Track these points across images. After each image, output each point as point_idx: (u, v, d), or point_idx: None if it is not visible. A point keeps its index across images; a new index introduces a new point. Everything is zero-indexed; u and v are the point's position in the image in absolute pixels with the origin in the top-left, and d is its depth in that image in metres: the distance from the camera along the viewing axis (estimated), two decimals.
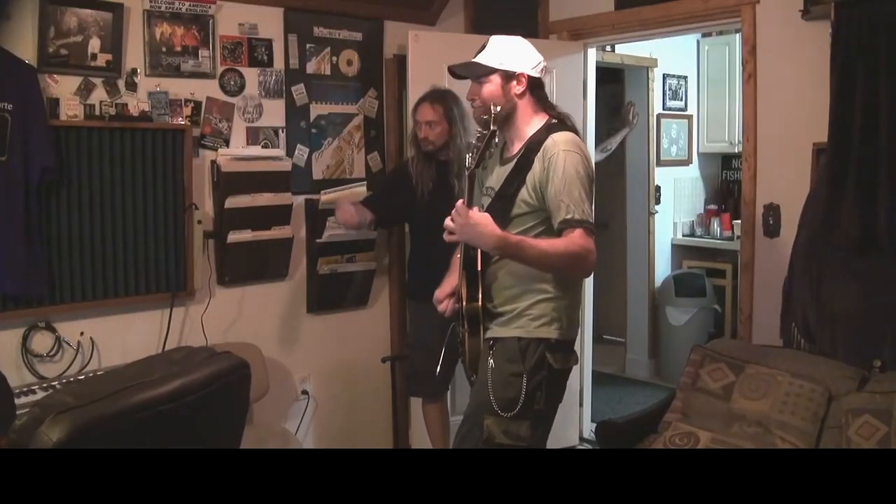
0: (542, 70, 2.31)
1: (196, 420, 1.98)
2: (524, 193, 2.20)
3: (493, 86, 2.25)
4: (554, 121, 2.29)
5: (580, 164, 2.15)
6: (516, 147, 2.28)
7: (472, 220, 2.07)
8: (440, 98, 3.19)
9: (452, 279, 2.43)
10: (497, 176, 2.32)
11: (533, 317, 2.22)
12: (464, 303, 2.28)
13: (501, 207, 2.23)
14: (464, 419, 2.35)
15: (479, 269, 2.25)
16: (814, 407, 2.62)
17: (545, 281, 2.22)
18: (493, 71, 2.24)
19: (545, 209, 2.18)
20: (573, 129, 2.28)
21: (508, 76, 2.25)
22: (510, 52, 2.26)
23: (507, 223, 2.21)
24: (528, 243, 2.12)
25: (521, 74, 2.25)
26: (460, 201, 2.13)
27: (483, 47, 2.29)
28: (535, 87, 2.30)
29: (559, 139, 2.18)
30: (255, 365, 2.82)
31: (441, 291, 2.47)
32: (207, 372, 2.02)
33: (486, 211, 2.29)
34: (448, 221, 2.13)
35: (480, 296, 2.25)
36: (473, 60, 2.28)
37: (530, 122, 2.28)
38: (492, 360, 2.25)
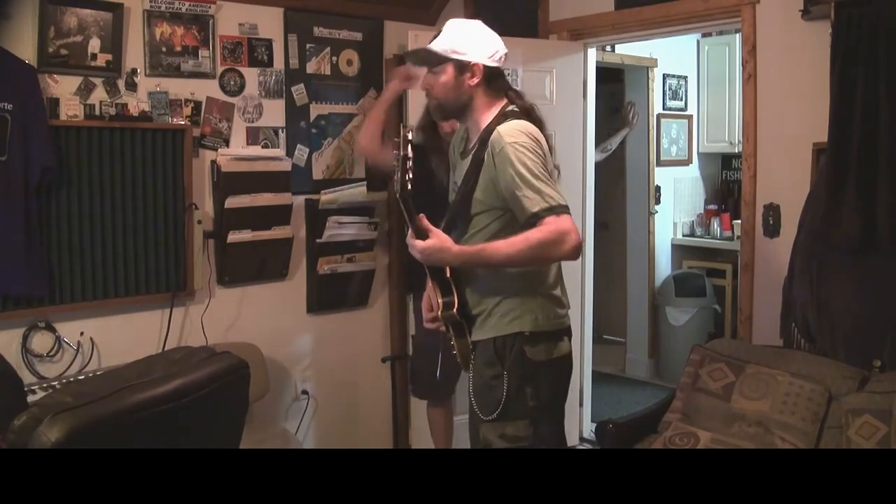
0: (500, 59, 2.17)
1: (195, 420, 1.99)
2: (478, 192, 2.12)
3: (446, 76, 2.13)
4: (510, 107, 2.16)
5: (528, 152, 2.03)
6: (473, 139, 2.20)
7: (424, 251, 2.02)
8: None
9: None
10: (460, 170, 2.24)
11: (502, 313, 2.15)
12: (440, 311, 2.20)
13: (462, 206, 2.17)
14: (469, 427, 2.32)
15: (449, 275, 2.18)
16: (814, 407, 2.62)
17: (506, 279, 2.14)
18: (446, 60, 2.12)
19: (500, 206, 2.11)
20: (531, 115, 2.16)
21: (462, 67, 2.12)
22: (466, 40, 2.13)
23: (468, 221, 2.16)
24: (489, 251, 2.04)
25: (476, 65, 2.12)
26: (409, 234, 2.06)
27: (438, 33, 2.16)
28: (493, 76, 2.17)
29: (504, 131, 2.06)
30: (255, 365, 2.83)
31: (429, 302, 2.32)
32: (207, 372, 2.03)
33: (451, 209, 2.25)
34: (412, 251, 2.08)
35: (456, 301, 2.17)
36: (427, 47, 2.15)
37: (487, 112, 2.17)
38: (473, 366, 2.20)
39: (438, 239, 2.04)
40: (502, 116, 2.13)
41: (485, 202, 2.12)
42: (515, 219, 2.07)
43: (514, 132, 2.06)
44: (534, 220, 1.99)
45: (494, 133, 2.08)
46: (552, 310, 2.18)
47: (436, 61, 2.15)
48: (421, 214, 2.06)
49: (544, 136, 2.15)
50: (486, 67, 2.14)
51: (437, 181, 3.09)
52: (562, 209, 2.00)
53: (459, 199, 2.19)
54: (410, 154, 2.00)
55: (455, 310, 2.17)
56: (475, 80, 2.14)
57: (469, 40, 2.14)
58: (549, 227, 1.98)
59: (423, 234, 2.04)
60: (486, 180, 2.10)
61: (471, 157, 2.17)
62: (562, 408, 2.30)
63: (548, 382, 2.19)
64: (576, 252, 2.02)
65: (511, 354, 2.13)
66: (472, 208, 2.15)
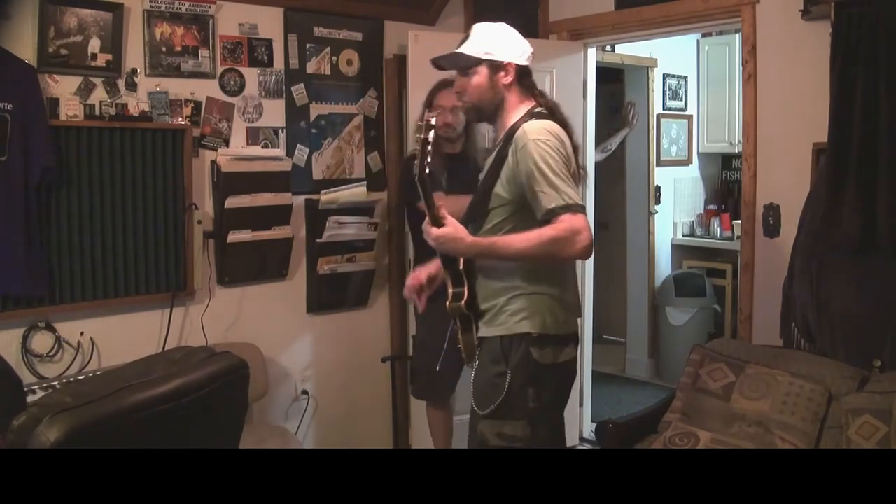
0: (529, 58, 2.23)
1: (195, 420, 1.98)
2: (498, 187, 2.16)
3: (480, 77, 2.18)
4: (537, 108, 2.21)
5: (551, 150, 2.07)
6: (499, 137, 2.24)
7: (438, 238, 2.07)
8: None
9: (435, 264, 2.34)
10: (486, 166, 2.28)
11: (512, 312, 2.16)
12: (448, 302, 2.22)
13: (481, 201, 2.21)
14: (469, 425, 2.33)
15: (462, 267, 2.21)
16: (814, 407, 2.62)
17: (519, 277, 2.16)
18: (479, 62, 2.17)
19: (518, 202, 2.13)
20: (558, 117, 2.20)
21: (496, 66, 2.17)
22: (496, 41, 2.19)
23: (485, 216, 2.19)
24: (501, 244, 2.08)
25: (509, 64, 2.18)
26: (426, 221, 2.10)
27: (467, 37, 2.22)
28: (524, 75, 2.23)
29: (529, 129, 2.11)
30: (254, 365, 2.83)
31: (419, 272, 2.35)
32: (207, 372, 2.02)
33: (469, 206, 2.27)
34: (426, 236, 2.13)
35: (466, 293, 2.20)
36: (458, 51, 2.20)
37: (515, 111, 2.22)
38: (477, 363, 2.22)
39: (453, 228, 2.08)
40: (528, 116, 2.18)
41: (503, 197, 2.16)
42: (531, 215, 2.10)
43: (539, 130, 2.10)
44: (549, 216, 2.03)
45: (519, 130, 2.12)
46: (562, 313, 2.20)
47: (469, 64, 2.19)
48: (440, 202, 2.09)
49: (571, 136, 2.20)
50: (517, 66, 2.20)
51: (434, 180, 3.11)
52: (578, 208, 2.03)
53: (479, 193, 2.22)
54: (431, 138, 2.03)
55: (464, 302, 2.20)
56: (509, 79, 2.19)
57: (499, 41, 2.20)
58: (564, 224, 2.01)
59: (438, 222, 2.08)
60: (508, 175, 2.14)
61: (495, 153, 2.21)
62: (561, 412, 2.31)
63: (551, 386, 2.20)
64: (587, 251, 2.05)
65: (517, 354, 2.14)
66: (491, 202, 2.18)
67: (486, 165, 2.27)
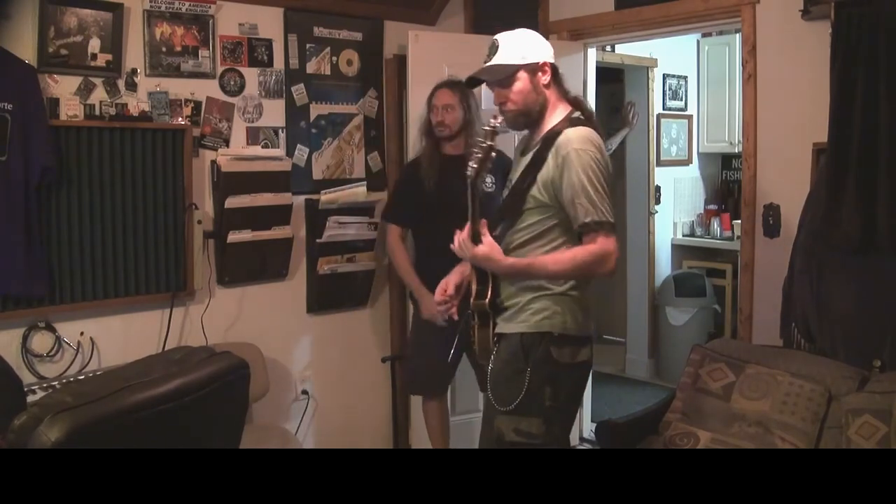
0: (553, 55, 2.29)
1: (195, 420, 1.98)
2: (534, 190, 2.18)
3: (522, 83, 2.21)
4: (576, 114, 2.24)
5: (593, 162, 2.11)
6: (536, 138, 2.26)
7: (477, 255, 2.11)
8: (458, 85, 3.19)
9: (462, 268, 2.38)
10: (518, 167, 2.30)
11: (534, 311, 2.19)
12: (472, 298, 2.25)
13: (513, 202, 2.23)
14: (482, 421, 2.35)
15: None
16: (814, 407, 2.62)
17: (542, 279, 2.19)
18: (518, 68, 2.20)
19: (554, 206, 2.16)
20: (590, 119, 2.25)
21: (534, 69, 2.21)
22: (527, 45, 2.22)
23: (518, 217, 2.21)
24: (536, 267, 2.13)
25: (545, 63, 2.23)
26: (465, 232, 2.13)
27: (495, 49, 2.22)
28: (556, 72, 2.28)
29: (572, 136, 2.14)
30: (255, 365, 2.83)
31: (446, 284, 2.38)
32: (207, 372, 2.02)
33: (501, 205, 2.31)
34: (455, 246, 2.16)
35: (490, 291, 2.23)
36: (493, 63, 2.21)
37: (554, 113, 2.25)
38: (496, 358, 2.24)
39: (490, 248, 2.12)
40: (567, 122, 2.21)
41: (539, 200, 2.18)
42: (564, 218, 2.15)
43: (582, 139, 2.14)
44: (584, 229, 2.09)
45: (562, 136, 2.15)
46: (581, 315, 2.24)
47: (510, 72, 2.21)
48: (483, 220, 2.13)
49: (603, 139, 2.25)
50: (551, 65, 2.25)
51: (427, 182, 3.14)
52: (611, 227, 2.10)
53: (513, 193, 2.25)
54: (496, 145, 2.09)
55: (486, 300, 2.22)
56: (547, 78, 2.24)
57: (529, 44, 2.24)
58: (596, 247, 2.08)
59: (477, 238, 2.12)
60: (545, 179, 2.16)
61: (531, 155, 2.23)
62: (575, 412, 2.36)
63: (567, 385, 2.24)
64: (613, 272, 2.14)
65: (537, 352, 2.18)
66: (525, 203, 2.20)
67: (521, 165, 2.29)
